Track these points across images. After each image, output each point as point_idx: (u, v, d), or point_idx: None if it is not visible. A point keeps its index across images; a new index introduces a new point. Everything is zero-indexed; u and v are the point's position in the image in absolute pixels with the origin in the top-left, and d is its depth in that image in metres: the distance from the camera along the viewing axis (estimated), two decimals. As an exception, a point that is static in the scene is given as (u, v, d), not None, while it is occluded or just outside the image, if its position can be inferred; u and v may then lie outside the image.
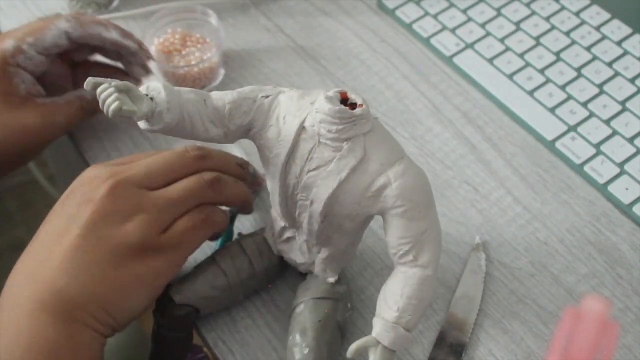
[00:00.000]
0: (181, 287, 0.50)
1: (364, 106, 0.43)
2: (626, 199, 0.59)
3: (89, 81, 0.41)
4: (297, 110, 0.44)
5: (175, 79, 0.67)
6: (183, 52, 0.66)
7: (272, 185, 0.47)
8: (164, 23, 0.69)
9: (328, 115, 0.43)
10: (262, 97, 0.45)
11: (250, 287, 0.53)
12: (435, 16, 0.73)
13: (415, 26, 0.72)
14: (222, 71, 0.69)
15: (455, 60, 0.69)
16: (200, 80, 0.67)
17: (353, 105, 0.44)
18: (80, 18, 0.60)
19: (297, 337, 0.48)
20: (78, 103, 0.60)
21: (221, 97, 0.45)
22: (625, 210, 0.59)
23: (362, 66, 0.70)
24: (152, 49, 0.67)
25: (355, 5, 0.75)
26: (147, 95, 0.42)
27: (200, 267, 0.52)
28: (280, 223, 0.50)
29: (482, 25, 0.72)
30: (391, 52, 0.71)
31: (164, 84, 0.42)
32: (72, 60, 0.64)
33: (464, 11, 0.73)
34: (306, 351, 0.47)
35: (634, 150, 0.62)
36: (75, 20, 0.59)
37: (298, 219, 0.47)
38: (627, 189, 0.60)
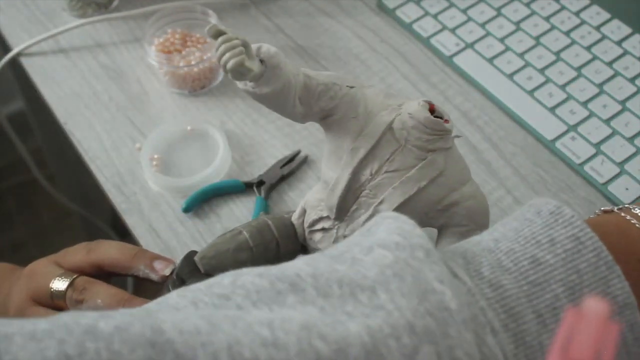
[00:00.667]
0: (208, 256, 0.49)
1: (450, 122, 0.44)
2: (626, 199, 0.59)
3: (213, 26, 0.40)
4: (384, 110, 0.44)
5: (175, 79, 0.67)
6: (183, 52, 0.66)
7: (338, 175, 0.46)
8: (164, 23, 0.69)
9: (422, 123, 0.43)
10: (347, 86, 0.45)
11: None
12: (435, 16, 0.73)
13: (415, 26, 0.72)
14: (222, 71, 0.69)
15: (455, 60, 0.69)
16: (200, 81, 0.67)
17: (439, 119, 0.44)
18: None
19: None
20: None
21: (314, 77, 0.44)
22: (625, 210, 0.59)
23: (362, 66, 0.70)
24: (152, 49, 0.67)
25: (355, 5, 0.75)
26: (258, 57, 0.41)
27: (227, 239, 0.50)
28: (320, 212, 0.49)
29: (482, 25, 0.72)
30: (391, 52, 0.71)
31: (277, 50, 0.42)
32: None
33: (464, 11, 0.73)
34: None
35: (634, 150, 0.62)
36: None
37: (352, 214, 0.47)
38: (627, 189, 0.60)
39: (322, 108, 0.45)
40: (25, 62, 0.72)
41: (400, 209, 0.44)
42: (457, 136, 0.45)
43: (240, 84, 0.42)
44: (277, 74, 0.41)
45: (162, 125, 0.65)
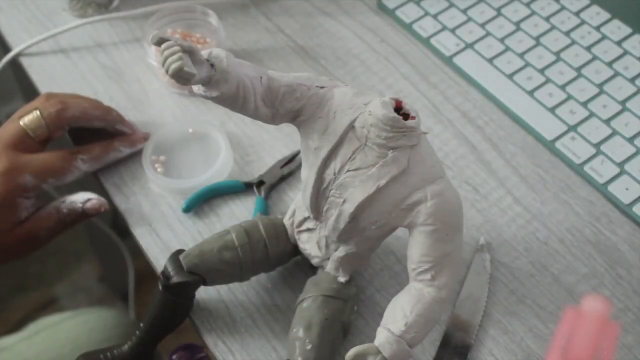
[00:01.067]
0: (192, 255, 0.50)
1: (416, 119, 0.43)
2: (626, 199, 0.59)
3: (155, 35, 0.41)
4: (349, 109, 0.44)
5: (175, 79, 0.67)
6: (183, 52, 0.66)
7: (307, 176, 0.47)
8: (164, 23, 0.69)
9: (381, 121, 0.43)
10: (317, 87, 0.45)
11: (259, 269, 0.52)
12: (435, 16, 0.73)
13: (415, 26, 0.72)
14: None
15: (455, 60, 0.69)
16: (200, 80, 0.67)
17: (406, 116, 0.44)
18: (94, 153, 0.61)
19: (301, 331, 0.48)
20: (55, 216, 0.59)
21: (277, 79, 0.45)
22: (625, 210, 0.59)
23: (362, 66, 0.70)
24: (152, 49, 0.67)
25: (355, 5, 0.75)
26: (208, 61, 0.42)
27: (214, 238, 0.51)
28: (304, 213, 0.50)
29: (482, 25, 0.72)
30: (391, 52, 0.71)
31: (227, 53, 0.42)
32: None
33: (464, 11, 0.73)
34: (309, 347, 0.47)
35: (634, 150, 0.62)
36: (90, 158, 0.60)
37: (325, 214, 0.47)
38: (627, 189, 0.60)
39: (289, 109, 0.45)
40: (25, 62, 0.72)
41: (361, 208, 0.44)
42: (424, 133, 0.45)
43: (194, 88, 0.43)
44: (226, 77, 0.42)
45: (163, 127, 0.65)
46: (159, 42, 0.41)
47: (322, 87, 0.45)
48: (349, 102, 0.45)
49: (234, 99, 0.43)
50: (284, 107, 0.45)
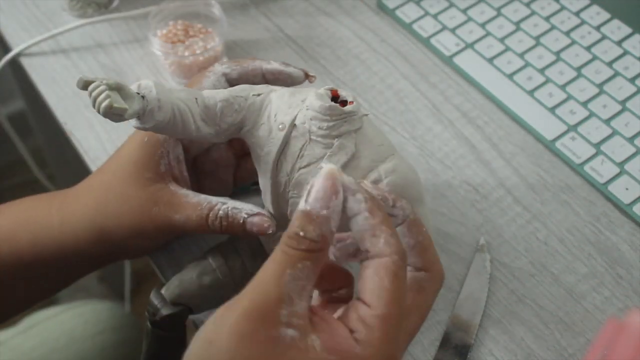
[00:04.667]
0: (172, 285, 0.50)
1: (354, 103, 0.44)
2: (626, 199, 0.59)
3: (80, 79, 0.41)
4: (288, 108, 0.45)
5: (181, 69, 0.67)
6: (186, 43, 0.66)
7: (264, 184, 0.47)
8: (165, 15, 0.69)
9: (319, 112, 0.43)
10: (254, 95, 0.46)
11: (244, 287, 0.53)
12: (435, 16, 0.73)
13: (415, 26, 0.72)
14: (225, 60, 0.69)
15: (455, 60, 0.69)
16: (207, 70, 0.67)
17: (344, 103, 0.44)
18: (237, 60, 0.52)
19: None
20: (204, 211, 0.47)
21: (213, 96, 0.45)
22: (625, 210, 0.59)
23: (362, 66, 0.70)
24: (156, 41, 0.66)
25: (355, 5, 0.75)
26: (138, 93, 0.42)
27: (192, 266, 0.51)
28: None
29: (482, 25, 0.72)
30: (391, 52, 0.71)
31: (156, 82, 0.43)
32: (240, 149, 0.55)
33: (464, 11, 0.73)
34: None
35: (634, 150, 0.62)
36: (231, 62, 0.52)
37: (290, 217, 0.47)
38: (627, 189, 0.60)
39: (231, 123, 0.45)
40: (25, 62, 0.72)
41: None
42: (365, 114, 0.45)
43: (132, 122, 0.43)
44: (159, 105, 0.42)
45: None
46: (85, 85, 0.41)
47: (258, 95, 0.46)
48: (287, 102, 0.45)
49: (173, 125, 0.43)
50: (226, 122, 0.45)
